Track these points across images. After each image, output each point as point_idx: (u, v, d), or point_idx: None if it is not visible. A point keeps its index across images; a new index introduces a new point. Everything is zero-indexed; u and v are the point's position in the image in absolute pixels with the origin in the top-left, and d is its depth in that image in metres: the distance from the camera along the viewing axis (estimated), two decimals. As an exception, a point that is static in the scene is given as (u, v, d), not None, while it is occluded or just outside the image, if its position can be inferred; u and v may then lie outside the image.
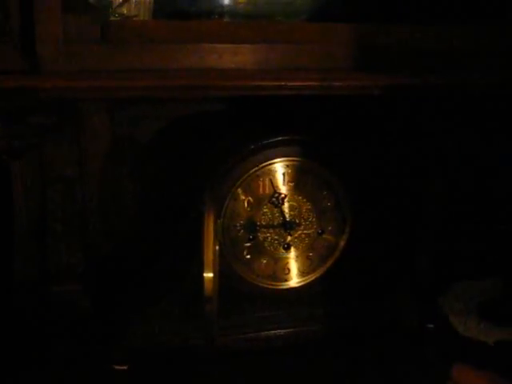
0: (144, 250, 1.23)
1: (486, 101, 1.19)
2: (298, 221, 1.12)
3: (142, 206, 1.25)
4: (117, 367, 1.06)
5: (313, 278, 1.15)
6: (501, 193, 1.32)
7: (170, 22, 0.99)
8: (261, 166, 1.08)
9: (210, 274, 0.94)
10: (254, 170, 1.08)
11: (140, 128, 1.21)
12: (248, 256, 1.11)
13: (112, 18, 1.03)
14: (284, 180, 1.10)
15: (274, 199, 1.10)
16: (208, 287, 0.94)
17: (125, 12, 1.04)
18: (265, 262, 1.12)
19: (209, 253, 0.96)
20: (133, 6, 1.05)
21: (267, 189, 1.10)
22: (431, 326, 1.19)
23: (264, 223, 1.11)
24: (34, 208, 1.15)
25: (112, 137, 1.19)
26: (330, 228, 1.14)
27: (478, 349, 1.14)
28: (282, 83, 0.97)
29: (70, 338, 1.12)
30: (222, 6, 1.15)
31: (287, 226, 1.11)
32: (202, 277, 0.96)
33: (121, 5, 1.03)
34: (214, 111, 1.20)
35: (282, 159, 1.09)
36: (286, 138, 1.07)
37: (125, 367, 1.06)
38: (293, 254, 1.13)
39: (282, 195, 1.10)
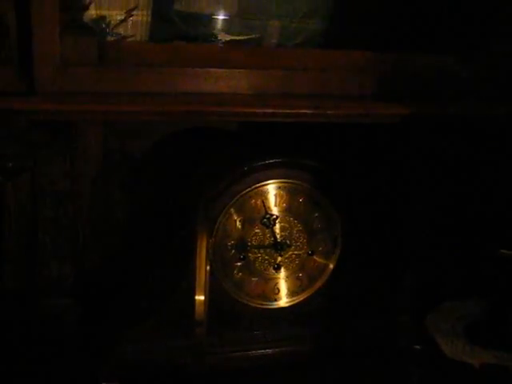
0: (134, 265, 1.23)
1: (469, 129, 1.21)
2: (288, 242, 1.13)
3: (133, 221, 1.26)
4: (105, 384, 1.06)
5: (302, 298, 1.16)
6: (490, 216, 1.33)
7: (167, 46, 0.99)
8: (253, 187, 1.09)
9: (202, 297, 0.96)
10: (246, 190, 1.08)
11: (132, 143, 1.22)
12: (238, 275, 1.12)
13: (109, 38, 1.03)
14: (276, 201, 1.11)
15: (265, 220, 1.11)
16: (199, 310, 0.95)
17: (122, 32, 1.05)
18: (255, 281, 1.13)
19: (201, 274, 0.97)
20: (130, 26, 1.06)
21: (259, 209, 1.10)
22: (418, 347, 1.20)
23: (255, 243, 1.11)
24: (24, 221, 1.15)
25: (104, 152, 1.19)
26: (320, 249, 1.15)
27: (463, 371, 1.15)
28: (279, 111, 0.98)
29: (58, 353, 1.12)
30: (217, 29, 1.16)
31: (278, 247, 1.12)
32: (193, 295, 0.97)
33: (118, 25, 1.03)
34: (209, 130, 1.20)
35: (274, 181, 1.09)
36: (278, 160, 1.08)
37: (113, 384, 1.06)
38: (283, 274, 1.14)
39: (274, 216, 1.11)
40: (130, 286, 1.19)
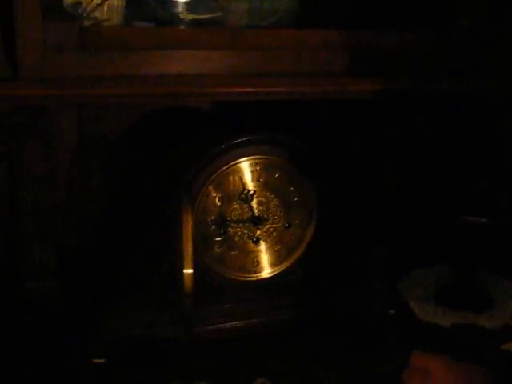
0: (117, 245, 1.26)
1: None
2: (266, 216, 1.16)
3: (112, 203, 1.28)
4: (95, 361, 1.08)
5: (281, 269, 1.20)
6: (456, 185, 1.39)
7: (145, 29, 1.02)
8: (230, 164, 1.12)
9: (190, 271, 0.99)
10: (223, 168, 1.12)
11: (108, 125, 1.23)
12: (219, 250, 1.15)
13: (86, 23, 1.05)
14: (252, 177, 1.14)
15: (243, 196, 1.14)
16: (188, 283, 0.98)
17: (98, 16, 1.07)
18: (235, 255, 1.17)
19: (188, 249, 1.00)
20: (105, 10, 1.08)
21: (237, 186, 1.14)
22: (392, 311, 1.25)
23: (234, 218, 1.15)
24: (4, 207, 1.17)
25: (79, 134, 1.21)
26: (296, 221, 1.19)
27: (436, 332, 1.20)
28: (254, 90, 1.01)
29: (45, 334, 1.14)
30: (181, 10, 1.19)
31: (256, 221, 1.16)
32: (177, 270, 1.00)
33: (94, 9, 1.05)
34: (184, 110, 1.23)
35: (250, 158, 1.13)
36: (253, 137, 1.12)
37: (102, 360, 1.08)
38: (262, 247, 1.18)
39: (251, 191, 1.15)
40: (114, 264, 1.22)
